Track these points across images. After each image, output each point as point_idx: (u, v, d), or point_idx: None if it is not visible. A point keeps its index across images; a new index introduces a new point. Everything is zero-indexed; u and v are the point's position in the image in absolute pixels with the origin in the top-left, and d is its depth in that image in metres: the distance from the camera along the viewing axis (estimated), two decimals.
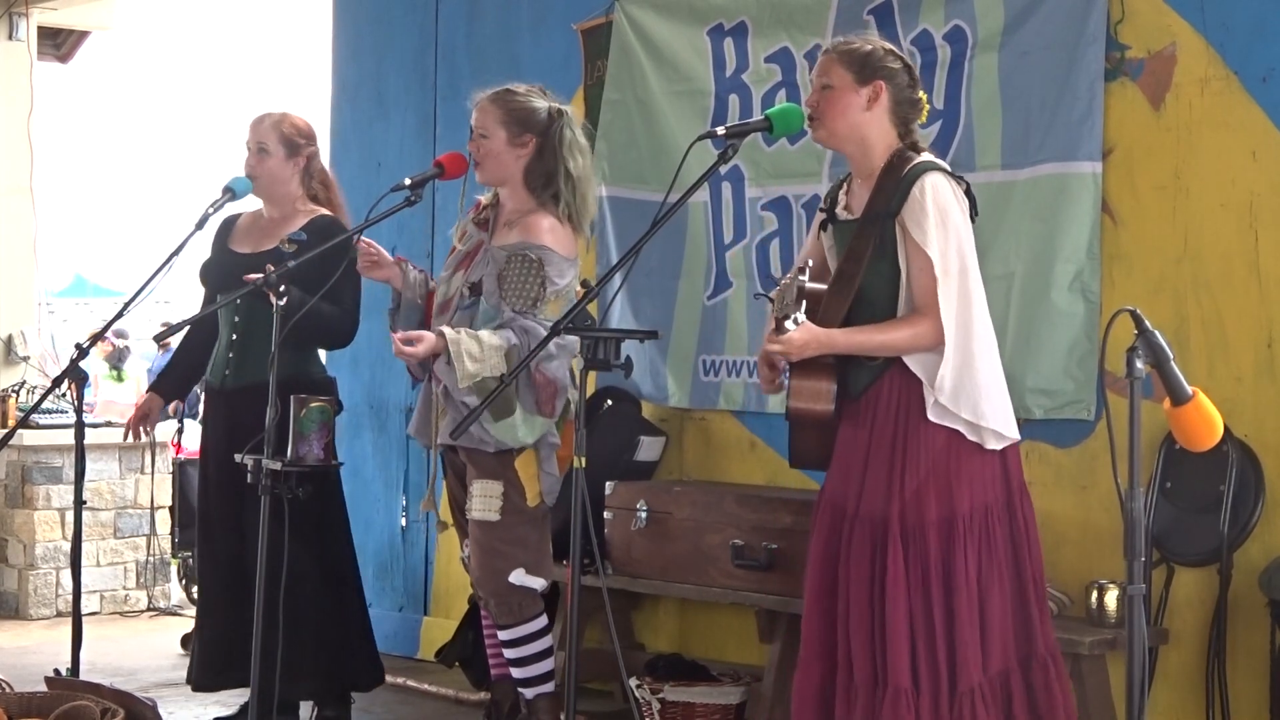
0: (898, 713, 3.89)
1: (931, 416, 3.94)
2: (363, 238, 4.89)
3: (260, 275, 4.67)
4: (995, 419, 3.97)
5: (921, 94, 4.16)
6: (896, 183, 4.00)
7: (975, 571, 3.94)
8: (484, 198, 5.04)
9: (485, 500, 4.79)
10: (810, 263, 4.13)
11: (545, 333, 4.51)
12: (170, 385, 5.66)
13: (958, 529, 3.94)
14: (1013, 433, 4.02)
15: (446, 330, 4.69)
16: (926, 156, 4.08)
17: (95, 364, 12.81)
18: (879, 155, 4.08)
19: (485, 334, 4.70)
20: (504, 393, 4.51)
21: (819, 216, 4.28)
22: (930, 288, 3.92)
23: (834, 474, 4.11)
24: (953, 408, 3.93)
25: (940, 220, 3.95)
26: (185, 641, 7.12)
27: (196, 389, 6.22)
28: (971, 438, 3.96)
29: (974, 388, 3.94)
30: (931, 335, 3.93)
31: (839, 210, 4.18)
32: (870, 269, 4.00)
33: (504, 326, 4.72)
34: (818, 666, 4.06)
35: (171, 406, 6.27)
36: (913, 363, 3.97)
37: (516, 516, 4.80)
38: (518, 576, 4.81)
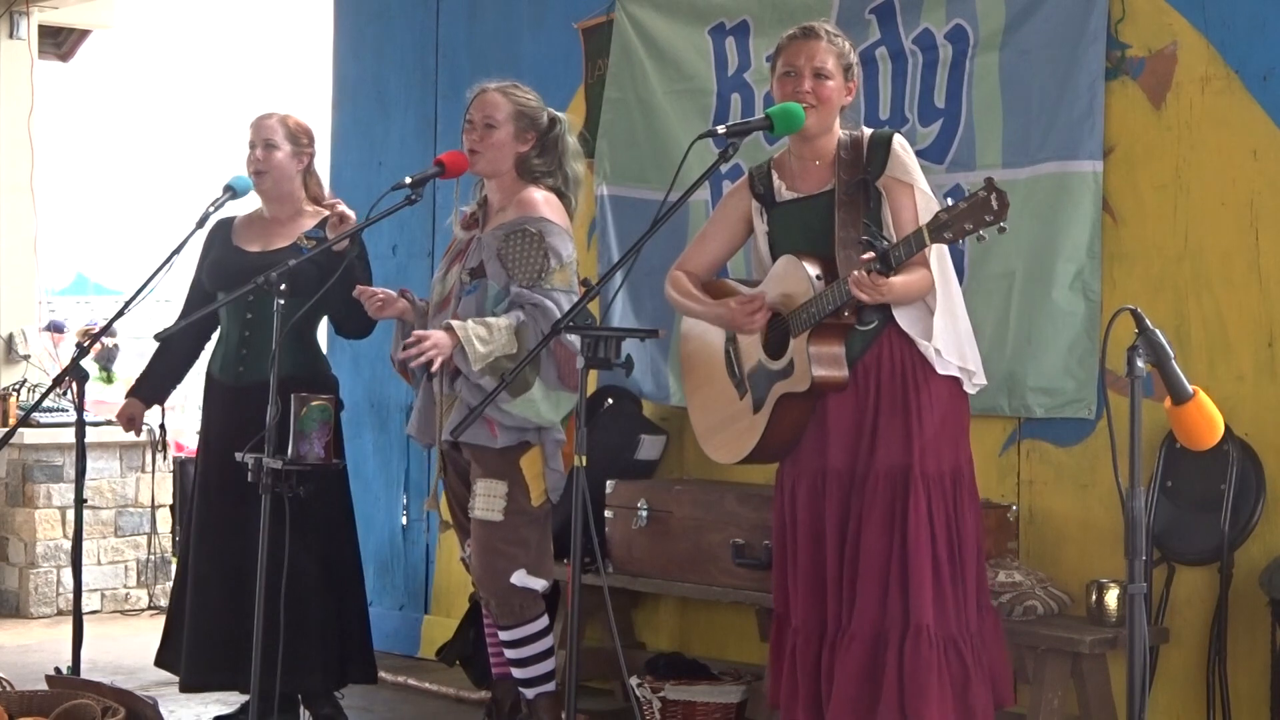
0: (920, 649, 4.03)
1: (939, 368, 4.12)
2: (359, 287, 4.91)
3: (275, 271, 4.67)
4: (973, 362, 4.21)
5: None
6: (861, 151, 4.19)
7: (975, 520, 4.17)
8: (468, 208, 5.03)
9: (488, 500, 4.78)
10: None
11: (552, 304, 4.65)
12: (149, 390, 5.63)
13: (964, 476, 4.18)
14: (982, 378, 4.26)
15: (453, 322, 4.69)
16: (868, 128, 4.32)
17: (84, 364, 12.77)
18: (832, 141, 4.25)
19: (491, 318, 4.69)
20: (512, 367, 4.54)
21: (742, 204, 4.40)
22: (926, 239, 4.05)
23: (835, 444, 4.19)
24: (947, 354, 4.13)
25: (920, 172, 4.19)
26: None
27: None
28: (963, 382, 4.18)
29: (958, 334, 4.16)
30: (930, 280, 4.10)
31: (784, 192, 4.28)
32: (865, 232, 4.08)
33: (512, 307, 4.72)
34: (816, 643, 4.17)
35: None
36: (903, 319, 4.12)
37: (519, 517, 4.79)
38: (519, 577, 4.80)
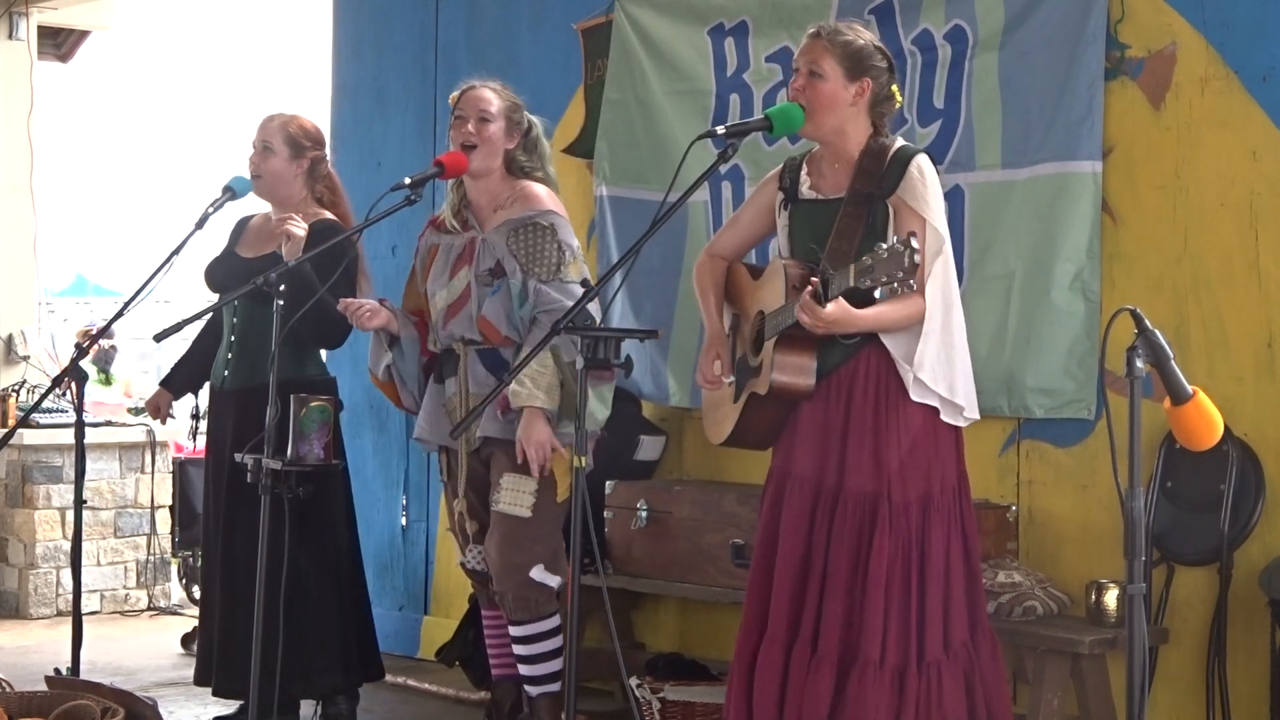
0: (865, 684, 3.97)
1: (914, 395, 4.02)
2: (343, 300, 4.89)
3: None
4: (964, 397, 4.09)
5: (895, 90, 4.23)
6: (882, 165, 4.09)
7: (944, 548, 4.05)
8: (441, 211, 5.02)
9: (516, 495, 4.77)
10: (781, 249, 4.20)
11: (570, 301, 4.62)
12: (180, 380, 5.67)
13: (933, 506, 4.06)
14: (975, 413, 4.15)
15: (507, 394, 4.68)
16: (902, 140, 4.20)
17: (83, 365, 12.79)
18: (855, 145, 4.16)
19: (526, 370, 4.60)
20: (567, 392, 4.56)
21: (770, 194, 4.35)
22: (922, 264, 3.95)
23: (802, 452, 4.15)
24: (931, 384, 4.02)
25: (935, 199, 4.06)
26: (185, 641, 7.13)
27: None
28: (945, 415, 4.07)
29: (950, 365, 4.05)
30: (922, 311, 4.00)
31: (805, 190, 4.24)
32: (859, 249, 4.02)
33: (535, 322, 4.74)
34: (781, 644, 4.13)
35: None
36: (889, 340, 4.05)
37: (545, 513, 4.80)
38: (538, 573, 4.79)
